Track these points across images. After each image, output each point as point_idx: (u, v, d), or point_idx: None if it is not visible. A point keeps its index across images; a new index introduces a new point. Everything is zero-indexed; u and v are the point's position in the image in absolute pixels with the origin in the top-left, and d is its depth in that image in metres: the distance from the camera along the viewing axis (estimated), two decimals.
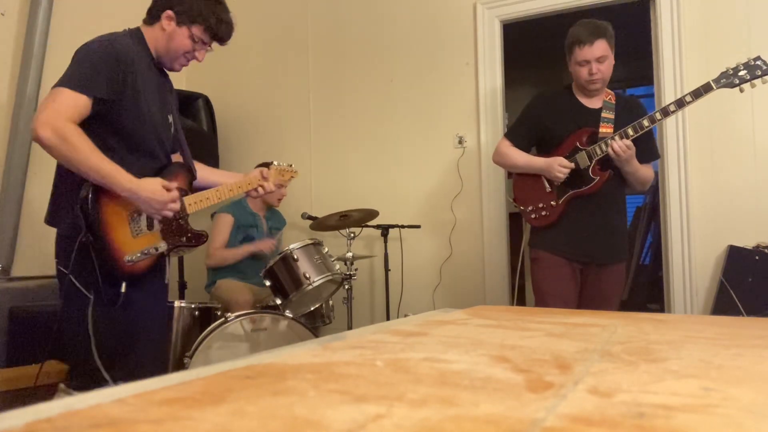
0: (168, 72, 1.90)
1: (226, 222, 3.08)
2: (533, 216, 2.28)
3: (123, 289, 1.63)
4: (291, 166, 2.20)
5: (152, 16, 1.77)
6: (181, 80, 4.06)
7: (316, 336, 2.53)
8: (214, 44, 1.90)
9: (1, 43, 3.03)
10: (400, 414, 0.40)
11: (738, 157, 2.73)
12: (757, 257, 2.54)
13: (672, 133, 2.84)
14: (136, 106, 1.67)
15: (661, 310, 3.08)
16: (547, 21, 3.26)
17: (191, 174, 1.87)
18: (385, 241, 3.18)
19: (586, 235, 2.19)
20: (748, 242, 2.64)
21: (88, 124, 1.56)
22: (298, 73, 3.77)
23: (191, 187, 1.87)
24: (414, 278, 3.38)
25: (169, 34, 1.76)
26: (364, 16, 3.59)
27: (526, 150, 2.34)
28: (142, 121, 1.70)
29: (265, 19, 3.90)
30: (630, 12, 3.18)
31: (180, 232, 1.78)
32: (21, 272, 2.98)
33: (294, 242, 2.65)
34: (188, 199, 1.81)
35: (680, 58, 2.84)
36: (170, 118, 1.87)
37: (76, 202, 1.57)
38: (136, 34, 1.76)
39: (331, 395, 0.45)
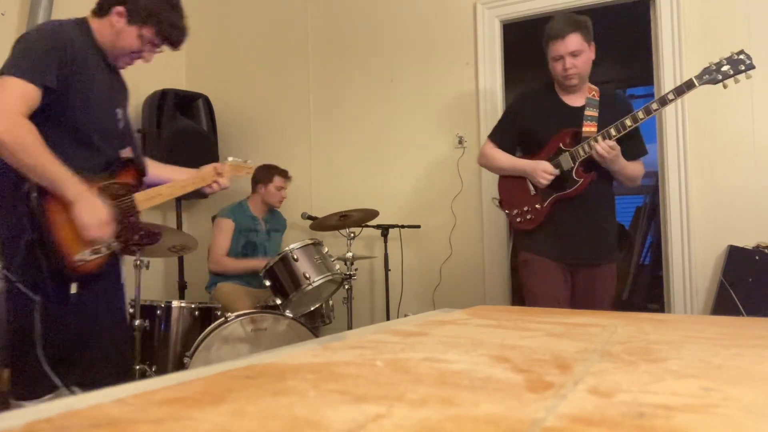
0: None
1: (226, 227, 3.08)
2: (518, 220, 2.25)
3: (73, 290, 1.56)
4: (247, 161, 2.13)
5: (102, 9, 1.69)
6: (181, 80, 4.06)
7: (316, 336, 2.53)
8: (159, 53, 1.82)
9: (1, 43, 3.02)
10: (400, 414, 0.40)
11: (738, 157, 2.73)
12: (757, 257, 2.54)
13: (672, 133, 2.84)
14: (83, 98, 1.61)
15: (661, 310, 3.08)
16: (547, 21, 3.25)
17: (141, 170, 1.80)
18: (385, 241, 3.18)
19: (573, 237, 2.15)
20: (748, 242, 2.64)
21: (31, 116, 1.48)
22: (298, 73, 3.77)
23: (141, 183, 1.80)
24: (414, 278, 3.38)
25: (117, 31, 1.68)
26: (364, 16, 3.59)
27: (511, 151, 2.31)
28: (87, 114, 1.63)
29: (265, 19, 3.90)
30: (630, 12, 3.18)
31: (132, 230, 1.72)
32: None
33: (294, 242, 2.65)
34: (139, 196, 1.74)
35: (680, 58, 2.83)
36: (119, 113, 1.79)
37: (17, 198, 1.50)
38: (83, 25, 1.68)
39: (331, 395, 0.45)
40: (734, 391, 0.48)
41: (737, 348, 0.72)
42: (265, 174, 3.16)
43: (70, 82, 1.56)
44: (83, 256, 1.57)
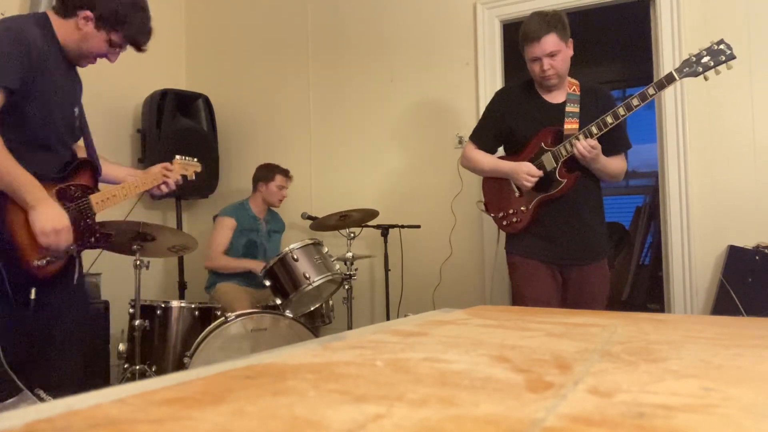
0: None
1: (227, 226, 3.09)
2: (504, 223, 2.22)
3: (33, 295, 1.55)
4: (195, 159, 2.11)
5: (66, 10, 1.64)
6: (181, 80, 4.06)
7: (316, 336, 2.53)
8: (122, 52, 1.79)
9: None
10: (400, 414, 0.40)
11: (738, 157, 2.73)
12: (757, 257, 2.54)
13: (672, 133, 2.84)
14: (43, 100, 1.58)
15: (661, 310, 3.08)
16: None
17: (96, 170, 1.79)
18: (385, 241, 3.18)
19: (560, 238, 2.13)
20: (748, 242, 2.64)
21: None
22: (298, 73, 3.77)
23: (97, 183, 1.79)
24: (414, 278, 3.38)
25: (84, 34, 1.64)
26: (364, 15, 3.59)
27: (492, 151, 2.28)
28: (47, 116, 1.60)
29: (265, 19, 3.90)
30: (630, 12, 3.18)
31: (89, 233, 1.71)
32: None
33: (294, 242, 2.65)
34: (95, 198, 1.73)
35: (680, 58, 2.83)
36: (75, 111, 1.77)
37: None
38: (43, 22, 1.63)
39: (331, 395, 0.45)
40: (734, 391, 0.48)
41: (737, 348, 0.72)
42: (267, 172, 3.16)
43: (31, 83, 1.53)
44: (42, 261, 1.55)
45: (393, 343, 0.73)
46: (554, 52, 2.04)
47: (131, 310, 2.47)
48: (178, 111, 3.59)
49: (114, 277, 3.09)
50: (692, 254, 2.79)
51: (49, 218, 1.52)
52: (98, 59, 1.74)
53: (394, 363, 0.59)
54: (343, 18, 3.66)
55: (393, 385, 0.49)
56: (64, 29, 1.65)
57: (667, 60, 2.86)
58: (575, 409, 0.42)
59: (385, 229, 3.16)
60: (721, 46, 1.91)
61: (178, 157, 2.04)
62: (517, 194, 2.18)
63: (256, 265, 3.01)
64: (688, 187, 2.80)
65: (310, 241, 2.67)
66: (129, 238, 2.35)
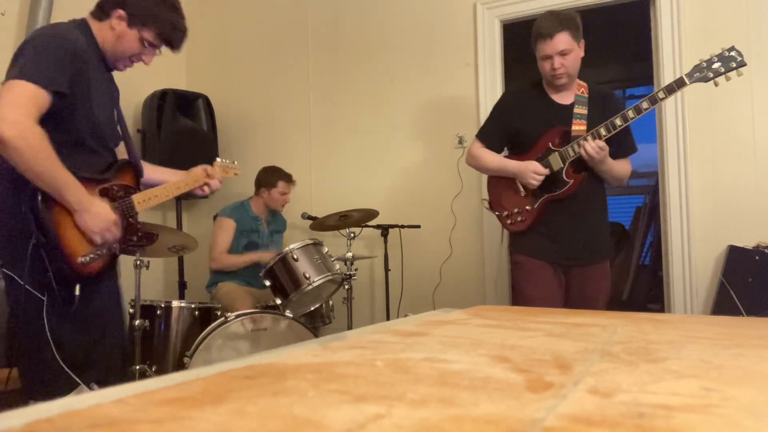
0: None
1: (228, 226, 3.09)
2: (509, 222, 2.22)
3: (77, 292, 1.58)
4: (234, 163, 2.16)
5: (103, 12, 1.69)
6: (181, 80, 4.06)
7: (316, 336, 2.53)
8: (158, 55, 1.82)
9: (1, 43, 3.03)
10: (400, 414, 0.40)
11: (738, 157, 2.73)
12: (757, 257, 2.54)
13: (672, 133, 2.84)
14: (87, 103, 1.61)
15: (661, 310, 3.08)
16: None
17: (138, 172, 1.82)
18: (385, 241, 3.18)
19: (565, 238, 2.13)
20: (748, 242, 2.64)
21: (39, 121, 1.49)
22: (298, 73, 3.77)
23: (139, 184, 1.82)
24: (414, 278, 3.38)
25: (118, 34, 1.68)
26: (364, 16, 3.59)
27: (499, 150, 2.28)
28: (92, 118, 1.64)
29: (265, 18, 3.90)
30: (630, 12, 3.18)
31: (131, 231, 1.74)
32: None
33: (294, 242, 2.65)
34: (137, 197, 1.76)
35: (680, 58, 2.83)
36: (115, 114, 1.81)
37: (21, 201, 1.50)
38: (83, 27, 1.67)
39: (331, 395, 0.45)
40: (734, 391, 0.48)
41: (737, 348, 0.72)
42: (269, 178, 3.15)
43: (78, 86, 1.58)
44: (86, 258, 1.59)
45: (393, 343, 0.73)
46: (566, 51, 2.05)
47: (131, 310, 2.47)
48: (178, 111, 3.59)
49: None
50: (692, 254, 2.79)
51: (96, 217, 1.58)
52: (134, 62, 1.78)
53: (394, 363, 0.59)
54: (343, 18, 3.66)
55: (393, 385, 0.49)
56: (102, 32, 1.70)
57: (667, 60, 2.86)
58: (575, 409, 0.42)
59: (385, 229, 3.16)
60: (732, 53, 1.92)
61: (219, 159, 2.10)
62: (522, 193, 2.18)
63: (261, 256, 3.01)
64: (688, 187, 2.80)
65: (310, 241, 2.66)
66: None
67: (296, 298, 2.59)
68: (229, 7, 4.02)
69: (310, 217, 3.18)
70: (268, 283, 2.61)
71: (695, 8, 2.83)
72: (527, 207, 2.16)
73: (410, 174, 3.43)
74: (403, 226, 3.20)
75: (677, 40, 2.84)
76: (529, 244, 2.18)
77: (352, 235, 2.97)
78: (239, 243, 3.11)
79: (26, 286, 1.54)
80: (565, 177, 2.09)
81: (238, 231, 3.10)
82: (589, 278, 2.17)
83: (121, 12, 1.67)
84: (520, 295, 2.20)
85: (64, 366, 1.55)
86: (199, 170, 1.97)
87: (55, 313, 1.57)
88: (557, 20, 2.04)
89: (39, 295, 1.55)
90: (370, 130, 3.55)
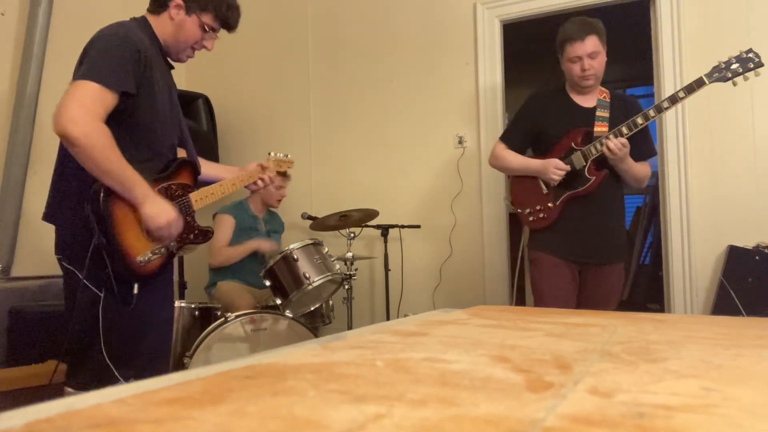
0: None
1: (227, 223, 3.09)
2: (531, 218, 2.28)
3: (135, 290, 1.61)
4: (287, 155, 2.16)
5: (159, 5, 1.72)
6: (181, 80, 4.06)
7: (316, 336, 2.53)
8: (216, 39, 1.85)
9: (1, 43, 3.03)
10: (400, 414, 0.40)
11: (738, 157, 2.73)
12: (757, 257, 2.54)
13: (672, 133, 2.84)
14: (151, 101, 1.64)
15: (661, 310, 3.08)
16: (547, 21, 3.25)
17: (196, 170, 1.84)
18: (385, 241, 3.18)
19: (583, 236, 2.19)
20: (748, 242, 2.64)
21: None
22: (298, 73, 3.77)
23: (196, 182, 1.83)
24: (414, 278, 3.38)
25: (178, 24, 1.71)
26: (364, 16, 3.59)
27: (522, 152, 2.34)
28: (155, 117, 1.66)
29: (265, 19, 3.90)
30: (630, 12, 3.18)
31: (188, 230, 1.75)
32: (21, 272, 2.99)
33: (294, 242, 2.65)
34: (194, 196, 1.78)
35: (680, 58, 2.83)
36: (176, 112, 1.83)
37: (84, 200, 1.53)
38: (144, 24, 1.70)
39: (331, 395, 0.45)
40: (734, 391, 0.48)
41: (737, 348, 0.72)
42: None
43: (142, 85, 1.60)
44: (145, 258, 1.61)
45: (393, 343, 0.73)
46: (594, 54, 2.13)
47: None
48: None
49: None
50: (692, 254, 2.79)
51: (160, 213, 1.59)
52: (195, 51, 1.81)
53: (394, 363, 0.59)
54: (344, 18, 3.66)
55: (393, 385, 0.49)
56: (161, 26, 1.71)
57: (667, 60, 2.86)
58: (575, 409, 0.42)
59: (385, 229, 3.16)
60: (750, 54, 2.01)
61: (272, 153, 2.11)
62: (544, 191, 2.24)
63: (261, 244, 3.01)
64: (688, 187, 2.80)
65: (310, 241, 2.66)
66: None
67: (296, 298, 2.59)
68: None
69: (310, 217, 3.17)
70: (268, 283, 2.61)
71: (695, 8, 2.83)
72: (549, 204, 2.22)
73: (410, 174, 3.43)
74: (403, 226, 3.20)
75: (677, 40, 2.84)
76: (548, 242, 2.23)
77: (352, 235, 2.96)
78: (238, 241, 3.10)
79: (85, 281, 1.57)
80: (587, 174, 2.15)
81: (237, 229, 3.10)
82: (604, 278, 2.22)
83: (178, 1, 1.69)
84: (536, 292, 2.26)
85: (108, 361, 1.57)
86: (253, 166, 2.00)
87: (110, 309, 1.59)
88: (586, 24, 2.12)
89: (96, 291, 1.58)
90: (370, 130, 3.55)
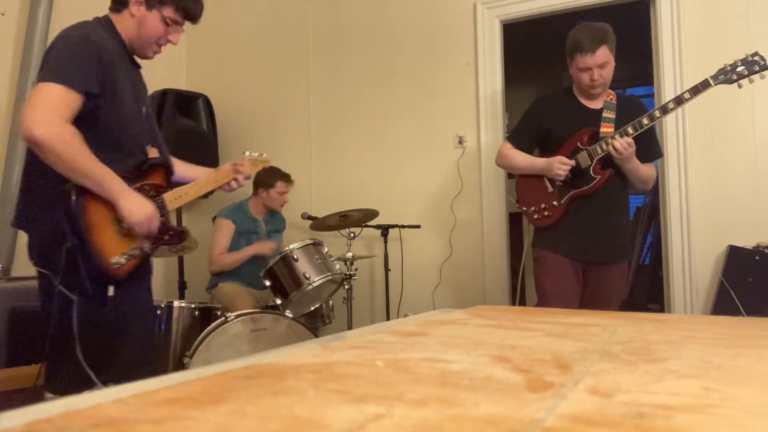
0: (140, 63, 1.83)
1: (226, 228, 3.08)
2: (536, 216, 2.30)
3: (111, 293, 1.59)
4: (263, 155, 2.12)
5: (120, 3, 1.69)
6: (181, 80, 4.05)
7: (316, 336, 2.53)
8: (182, 32, 1.81)
9: (1, 43, 3.03)
10: (400, 414, 0.40)
11: (738, 157, 2.73)
12: (757, 257, 2.54)
13: (672, 133, 2.84)
14: (115, 101, 1.62)
15: (661, 310, 3.08)
16: (547, 21, 3.26)
17: (169, 169, 1.81)
18: (385, 241, 3.18)
19: (587, 235, 2.20)
20: (748, 242, 2.64)
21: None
22: (298, 73, 3.77)
23: (170, 182, 1.81)
24: (414, 278, 3.38)
25: (139, 20, 1.68)
26: (365, 16, 3.59)
27: (529, 152, 2.35)
28: (120, 116, 1.64)
29: (265, 19, 3.90)
30: (630, 12, 3.18)
31: (162, 230, 1.73)
32: (21, 272, 2.99)
33: (294, 242, 2.65)
34: (168, 196, 1.76)
35: (680, 58, 2.83)
36: (144, 111, 1.80)
37: (55, 204, 1.51)
38: (106, 24, 1.68)
39: (331, 395, 0.45)
40: (734, 391, 0.48)
41: (737, 348, 0.72)
42: (267, 179, 3.14)
43: (105, 85, 1.58)
44: (119, 260, 1.59)
45: (393, 343, 0.73)
46: (605, 64, 2.13)
47: None
48: (178, 111, 3.58)
49: None
50: (692, 254, 2.79)
51: (139, 207, 1.58)
52: (162, 46, 1.77)
53: (394, 363, 0.59)
54: (344, 18, 3.66)
55: (393, 385, 0.49)
56: (123, 23, 1.70)
57: (667, 60, 2.86)
58: (575, 409, 0.42)
59: (385, 229, 3.16)
60: (756, 57, 2.02)
61: (247, 153, 2.07)
62: (550, 190, 2.26)
63: (260, 247, 3.01)
64: (688, 187, 2.80)
65: (310, 241, 2.66)
66: None
67: (296, 298, 2.59)
68: (229, 7, 4.02)
69: (310, 217, 3.17)
70: (268, 283, 2.61)
71: (695, 8, 2.83)
72: (554, 203, 2.24)
73: (410, 174, 3.43)
74: (403, 226, 3.20)
75: (677, 40, 2.84)
76: (552, 240, 2.24)
77: (352, 235, 2.96)
78: (238, 245, 3.10)
79: (59, 286, 1.54)
80: (592, 173, 2.17)
81: (236, 233, 3.10)
82: (607, 277, 2.23)
83: None
84: (540, 290, 2.27)
85: (84, 365, 1.55)
86: (227, 166, 1.96)
87: (85, 312, 1.57)
88: (596, 34, 2.10)
89: (70, 295, 1.55)
90: (369, 130, 3.55)
